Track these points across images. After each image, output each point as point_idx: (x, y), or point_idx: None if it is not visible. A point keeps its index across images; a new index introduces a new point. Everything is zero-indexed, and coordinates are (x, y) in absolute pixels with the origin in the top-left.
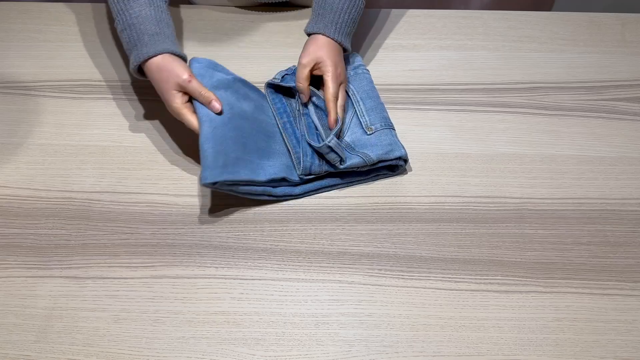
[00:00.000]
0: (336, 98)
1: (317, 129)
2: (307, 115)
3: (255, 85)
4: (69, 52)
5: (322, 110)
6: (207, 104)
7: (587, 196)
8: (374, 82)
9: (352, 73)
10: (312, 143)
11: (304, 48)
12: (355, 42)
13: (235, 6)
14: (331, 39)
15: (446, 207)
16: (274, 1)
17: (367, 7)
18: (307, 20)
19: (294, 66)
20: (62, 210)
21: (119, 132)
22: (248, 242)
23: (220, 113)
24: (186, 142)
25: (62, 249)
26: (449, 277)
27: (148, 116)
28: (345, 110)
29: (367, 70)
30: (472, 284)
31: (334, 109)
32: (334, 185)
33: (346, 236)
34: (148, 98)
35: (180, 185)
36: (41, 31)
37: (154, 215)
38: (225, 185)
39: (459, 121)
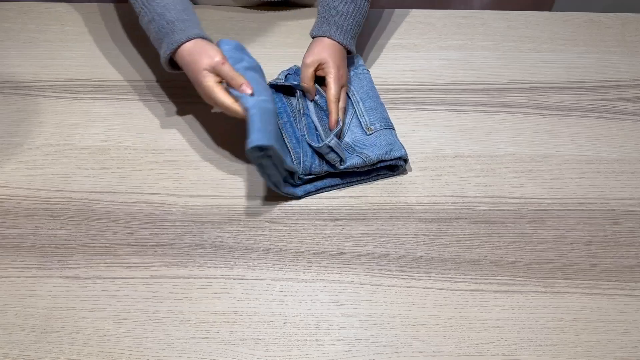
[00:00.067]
0: (338, 99)
1: (317, 129)
2: (307, 115)
3: None
4: (69, 52)
5: (323, 110)
6: (237, 88)
7: (587, 196)
8: (374, 82)
9: (352, 73)
10: (312, 143)
11: (308, 48)
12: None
13: (237, 5)
14: (336, 41)
15: (446, 207)
16: (274, 0)
17: None
18: (307, 20)
19: (295, 66)
20: (62, 210)
21: (119, 132)
22: (248, 242)
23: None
24: (186, 142)
25: (62, 249)
26: (449, 277)
27: (148, 116)
28: (345, 112)
29: (367, 70)
30: (472, 284)
31: (336, 110)
32: (334, 185)
33: (346, 236)
34: (148, 98)
35: (180, 185)
36: (41, 31)
37: (154, 215)
38: (264, 158)
39: (459, 121)
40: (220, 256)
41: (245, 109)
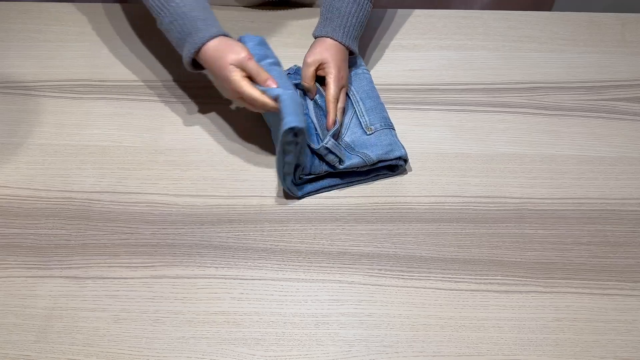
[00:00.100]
0: (337, 100)
1: (316, 129)
2: (307, 115)
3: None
4: (69, 52)
5: (322, 110)
6: (262, 83)
7: (587, 196)
8: (374, 82)
9: (352, 73)
10: (311, 145)
11: (310, 48)
12: None
13: (237, 5)
14: (339, 42)
15: (446, 207)
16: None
17: None
18: (307, 20)
19: (295, 66)
20: (62, 210)
21: (119, 132)
22: (248, 242)
23: None
24: (186, 142)
25: (62, 249)
26: (449, 277)
27: (148, 116)
28: (344, 113)
29: (367, 70)
30: (472, 284)
31: (334, 111)
32: (334, 185)
33: (346, 236)
34: (148, 98)
35: (180, 185)
36: (41, 31)
37: (154, 215)
38: (292, 145)
39: (459, 121)
40: (220, 256)
41: (276, 97)
